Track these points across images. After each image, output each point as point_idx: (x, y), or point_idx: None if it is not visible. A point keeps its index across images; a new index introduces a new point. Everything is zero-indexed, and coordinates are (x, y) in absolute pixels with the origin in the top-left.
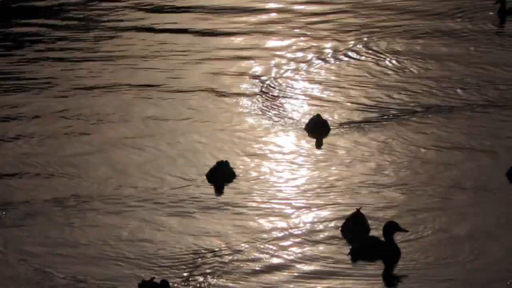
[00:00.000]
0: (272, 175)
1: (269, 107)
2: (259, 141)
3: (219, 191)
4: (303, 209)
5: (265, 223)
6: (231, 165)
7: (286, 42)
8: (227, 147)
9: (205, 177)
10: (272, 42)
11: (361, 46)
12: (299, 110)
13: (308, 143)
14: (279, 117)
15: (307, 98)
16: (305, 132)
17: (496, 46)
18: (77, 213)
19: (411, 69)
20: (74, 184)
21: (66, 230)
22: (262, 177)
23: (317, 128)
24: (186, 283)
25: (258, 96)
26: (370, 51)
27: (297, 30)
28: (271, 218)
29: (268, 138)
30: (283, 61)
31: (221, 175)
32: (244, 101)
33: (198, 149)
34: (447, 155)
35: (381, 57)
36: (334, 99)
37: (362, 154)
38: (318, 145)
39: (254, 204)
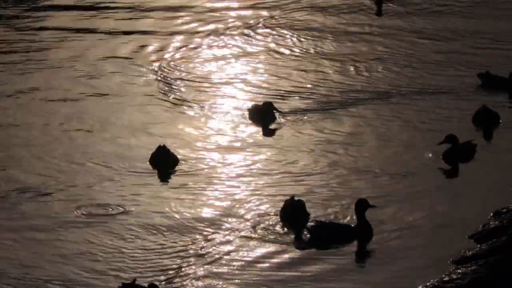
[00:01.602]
0: (215, 162)
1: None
2: (203, 132)
3: (164, 177)
4: (248, 197)
5: (211, 210)
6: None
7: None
8: (169, 138)
9: (148, 163)
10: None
11: (261, 24)
12: (231, 95)
13: (253, 131)
14: (205, 104)
15: (237, 84)
16: (249, 120)
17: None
18: (37, 204)
19: (318, 48)
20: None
21: (26, 227)
22: (205, 164)
23: (266, 116)
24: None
25: (165, 80)
26: (271, 30)
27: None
28: (218, 205)
29: (207, 126)
30: (183, 41)
31: (164, 159)
32: (160, 88)
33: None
34: (383, 141)
35: (283, 36)
36: (256, 84)
37: (307, 142)
38: (266, 134)
39: (201, 191)
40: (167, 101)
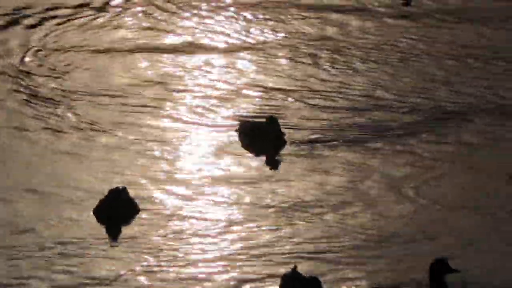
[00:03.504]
0: (188, 208)
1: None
2: (163, 168)
3: (115, 235)
4: (233, 262)
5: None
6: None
7: None
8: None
9: (92, 214)
10: None
11: None
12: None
13: (248, 164)
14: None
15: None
16: (241, 146)
17: None
18: None
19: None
20: None
21: None
22: (175, 211)
23: (270, 140)
24: None
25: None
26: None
27: None
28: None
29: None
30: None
31: (117, 209)
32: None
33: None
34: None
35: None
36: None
37: (335, 179)
38: (272, 166)
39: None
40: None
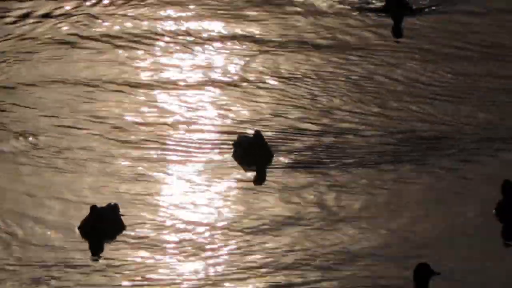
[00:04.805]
0: (173, 226)
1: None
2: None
3: (97, 253)
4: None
5: None
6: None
7: None
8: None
9: (77, 230)
10: None
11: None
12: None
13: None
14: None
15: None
16: (234, 160)
17: None
18: None
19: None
20: None
21: None
22: (160, 229)
23: (255, 155)
24: None
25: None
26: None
27: None
28: None
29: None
30: None
31: (104, 226)
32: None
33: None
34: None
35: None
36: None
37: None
38: (259, 180)
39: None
40: None
